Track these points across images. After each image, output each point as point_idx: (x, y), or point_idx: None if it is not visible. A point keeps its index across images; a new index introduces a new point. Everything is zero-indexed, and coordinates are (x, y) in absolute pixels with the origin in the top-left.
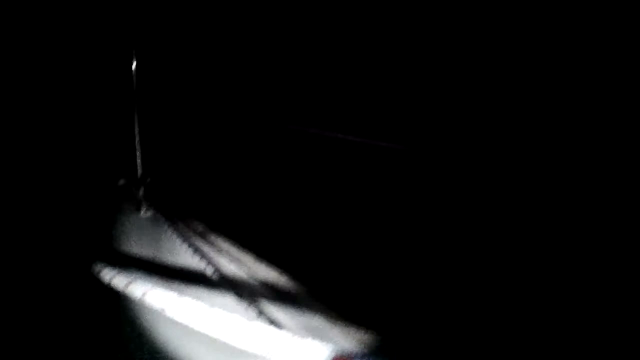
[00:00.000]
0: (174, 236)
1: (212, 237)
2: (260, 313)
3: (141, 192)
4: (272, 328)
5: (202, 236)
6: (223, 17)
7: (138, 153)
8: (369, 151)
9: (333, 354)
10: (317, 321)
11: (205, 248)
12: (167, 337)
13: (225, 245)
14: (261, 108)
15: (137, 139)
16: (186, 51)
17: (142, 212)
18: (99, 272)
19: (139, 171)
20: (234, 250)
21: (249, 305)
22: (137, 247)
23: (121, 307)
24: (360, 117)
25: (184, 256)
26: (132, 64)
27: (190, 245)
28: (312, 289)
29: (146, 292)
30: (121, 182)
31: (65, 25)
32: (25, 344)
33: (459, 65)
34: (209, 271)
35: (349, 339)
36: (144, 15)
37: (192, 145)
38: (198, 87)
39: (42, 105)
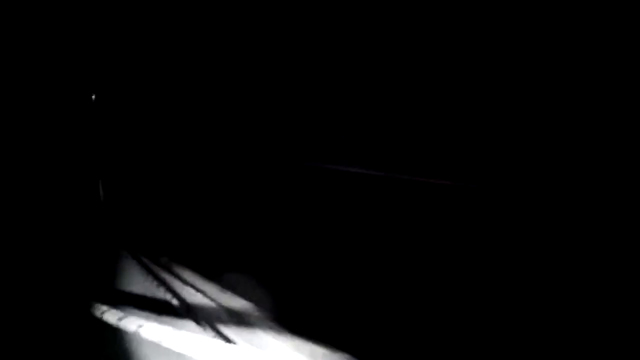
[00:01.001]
0: (138, 268)
1: (176, 269)
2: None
3: (104, 226)
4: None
5: (166, 268)
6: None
7: (101, 188)
8: None
9: None
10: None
11: (169, 278)
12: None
13: (187, 275)
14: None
15: (99, 172)
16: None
17: (106, 246)
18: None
19: (102, 206)
20: (195, 280)
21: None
22: (101, 278)
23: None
24: None
25: (149, 287)
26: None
27: (154, 276)
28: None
29: (121, 319)
30: (85, 216)
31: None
32: None
33: None
34: (171, 300)
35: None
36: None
37: (158, 180)
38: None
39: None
